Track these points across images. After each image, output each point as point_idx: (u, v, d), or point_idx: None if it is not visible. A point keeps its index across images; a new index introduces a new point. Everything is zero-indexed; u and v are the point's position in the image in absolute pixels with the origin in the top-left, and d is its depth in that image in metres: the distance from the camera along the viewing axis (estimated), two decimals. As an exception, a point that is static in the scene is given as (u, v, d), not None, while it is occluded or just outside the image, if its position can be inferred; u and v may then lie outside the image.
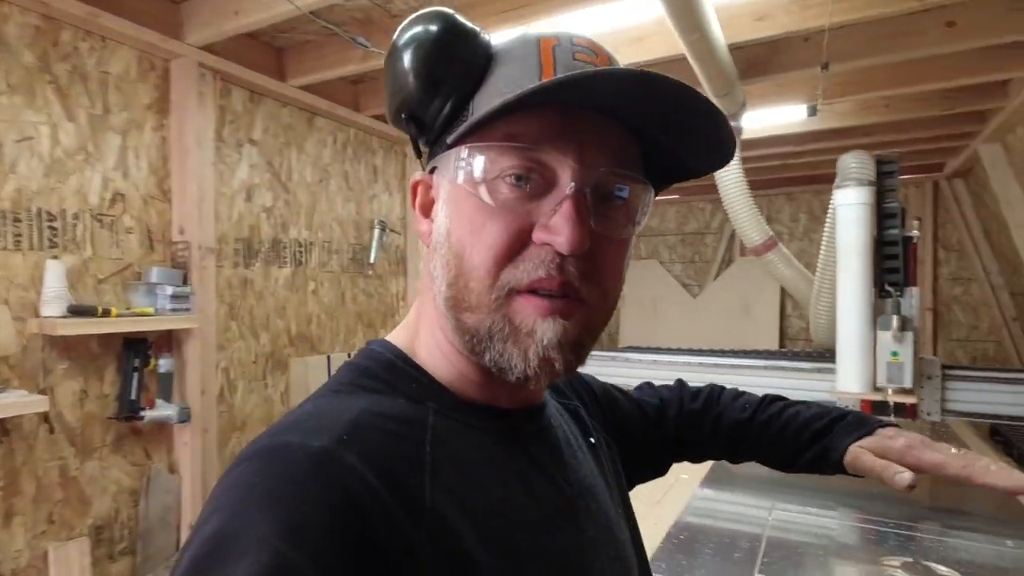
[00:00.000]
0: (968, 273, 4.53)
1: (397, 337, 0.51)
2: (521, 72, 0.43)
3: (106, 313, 1.93)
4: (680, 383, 0.79)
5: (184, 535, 2.28)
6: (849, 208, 2.07)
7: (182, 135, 2.30)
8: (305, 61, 2.66)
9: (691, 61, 1.95)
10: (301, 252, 2.93)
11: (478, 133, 0.43)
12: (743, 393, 0.76)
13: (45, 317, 1.84)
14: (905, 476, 0.55)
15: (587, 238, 0.41)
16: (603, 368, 2.89)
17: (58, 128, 1.95)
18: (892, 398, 2.01)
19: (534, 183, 0.42)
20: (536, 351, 0.42)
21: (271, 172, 2.76)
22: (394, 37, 0.47)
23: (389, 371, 0.47)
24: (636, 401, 0.75)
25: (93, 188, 2.06)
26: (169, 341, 2.27)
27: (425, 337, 0.49)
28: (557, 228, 0.41)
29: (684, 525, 1.65)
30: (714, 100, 2.39)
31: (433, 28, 0.45)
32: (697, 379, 2.61)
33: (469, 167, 0.43)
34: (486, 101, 0.43)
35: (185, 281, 2.25)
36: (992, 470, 0.55)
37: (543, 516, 0.47)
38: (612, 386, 0.74)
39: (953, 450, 0.58)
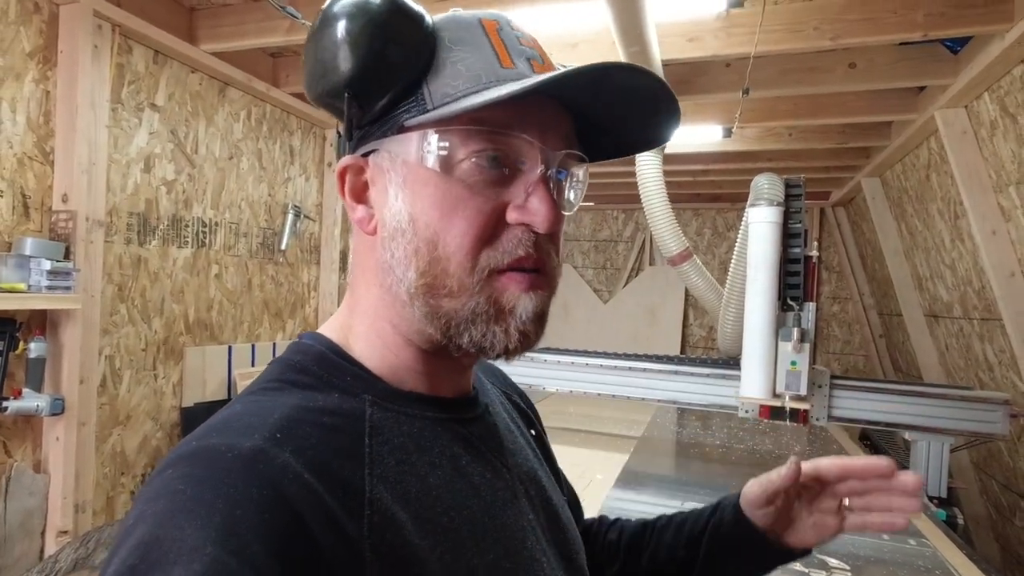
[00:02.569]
0: (845, 293, 5.03)
1: (329, 329, 0.50)
2: (479, 57, 0.44)
3: (-35, 287, 1.67)
4: None
5: (50, 542, 2.01)
6: (760, 226, 2.21)
7: (71, 91, 2.03)
8: (221, 25, 2.46)
9: (628, 72, 2.00)
10: (205, 232, 2.70)
11: (441, 117, 0.43)
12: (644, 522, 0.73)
13: None
14: (792, 459, 0.59)
15: (559, 216, 0.45)
16: (514, 368, 2.89)
17: (-87, 66, 1.66)
18: (789, 404, 2.17)
19: (504, 166, 0.44)
20: (516, 326, 0.44)
21: (175, 143, 2.52)
22: (330, 7, 0.44)
23: (321, 365, 0.46)
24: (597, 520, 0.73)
25: (-45, 141, 1.77)
26: (43, 322, 2.00)
27: (362, 330, 0.48)
28: (534, 209, 0.43)
29: (602, 525, 1.69)
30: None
31: (382, 3, 0.43)
32: (605, 381, 2.64)
33: (439, 150, 0.43)
34: (448, 84, 0.43)
35: (67, 256, 1.99)
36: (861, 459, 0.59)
37: (483, 501, 0.47)
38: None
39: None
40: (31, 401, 1.88)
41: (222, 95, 2.75)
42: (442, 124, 0.43)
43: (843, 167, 3.95)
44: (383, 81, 0.43)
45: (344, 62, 0.43)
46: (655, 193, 2.73)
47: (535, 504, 0.53)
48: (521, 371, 2.76)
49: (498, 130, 0.43)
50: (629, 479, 2.16)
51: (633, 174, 2.82)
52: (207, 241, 2.71)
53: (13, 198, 1.92)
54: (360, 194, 0.47)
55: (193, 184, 2.62)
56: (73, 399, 2.01)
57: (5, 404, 1.81)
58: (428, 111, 0.43)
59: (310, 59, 0.45)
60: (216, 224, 2.76)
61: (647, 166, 2.74)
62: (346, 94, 0.43)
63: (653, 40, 1.84)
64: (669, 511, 1.80)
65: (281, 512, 0.35)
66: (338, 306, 0.53)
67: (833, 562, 1.48)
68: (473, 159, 0.43)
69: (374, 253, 0.46)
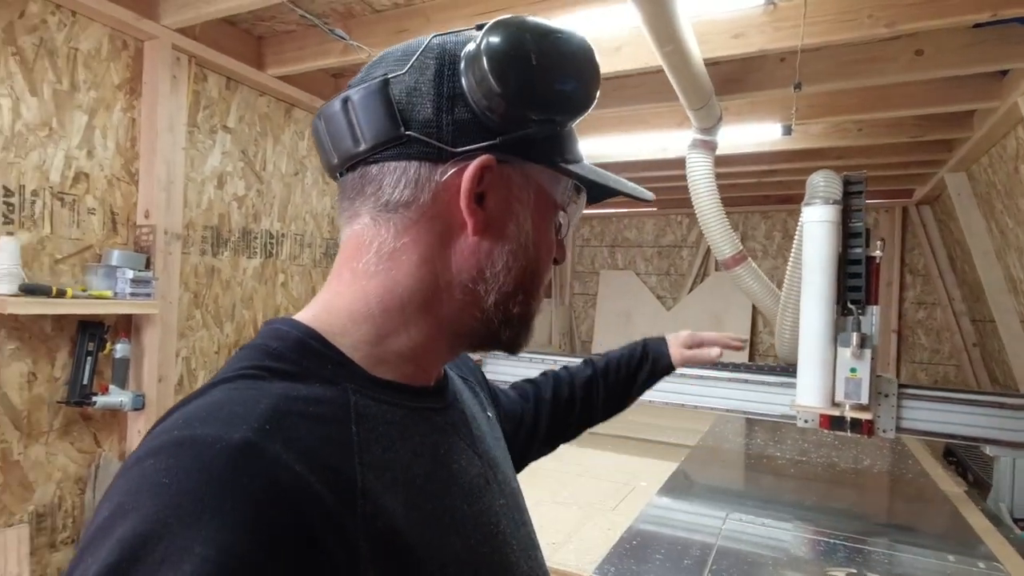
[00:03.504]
0: (932, 298, 4.65)
1: (308, 315, 0.49)
2: (574, 136, 0.54)
3: (61, 294, 1.88)
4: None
5: (132, 526, 2.21)
6: (815, 225, 2.11)
7: (153, 117, 2.25)
8: (284, 51, 2.64)
9: (667, 73, 1.98)
10: (272, 243, 2.89)
11: (560, 170, 0.51)
12: (567, 366, 0.99)
13: (-5, 295, 1.78)
14: (715, 351, 1.01)
15: None
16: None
17: (20, 102, 1.90)
18: (849, 413, 2.04)
19: None
20: (532, 331, 0.54)
21: (244, 161, 2.73)
22: (553, 34, 0.47)
23: (300, 352, 0.45)
24: (514, 388, 0.92)
25: (55, 165, 2.00)
26: (128, 326, 2.22)
27: (364, 315, 0.47)
28: (566, 250, 0.57)
29: (637, 531, 1.66)
30: (689, 113, 2.42)
31: (596, 57, 0.50)
32: (666, 389, 2.60)
33: (574, 201, 0.54)
34: (574, 142, 0.52)
35: (148, 266, 2.20)
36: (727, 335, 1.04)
37: (461, 488, 0.48)
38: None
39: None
40: (116, 397, 2.08)
41: (288, 115, 2.95)
42: (576, 177, 0.52)
43: (924, 162, 3.67)
44: (562, 116, 0.49)
45: (549, 86, 0.47)
46: (706, 194, 2.66)
47: (503, 488, 0.55)
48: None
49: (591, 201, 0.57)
50: (676, 486, 2.11)
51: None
52: (274, 252, 2.90)
53: (103, 215, 2.15)
54: (476, 196, 0.47)
55: (261, 199, 2.82)
56: (153, 396, 2.21)
57: (94, 399, 2.02)
58: (568, 158, 0.51)
59: (512, 68, 0.46)
60: (283, 236, 2.95)
61: (697, 165, 2.67)
62: (525, 112, 0.47)
63: (690, 38, 1.81)
64: (713, 521, 1.80)
65: (274, 507, 0.34)
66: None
67: (885, 582, 1.39)
68: (573, 216, 0.55)
69: (455, 251, 0.48)
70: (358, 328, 0.47)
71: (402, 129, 0.46)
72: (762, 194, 4.90)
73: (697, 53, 1.94)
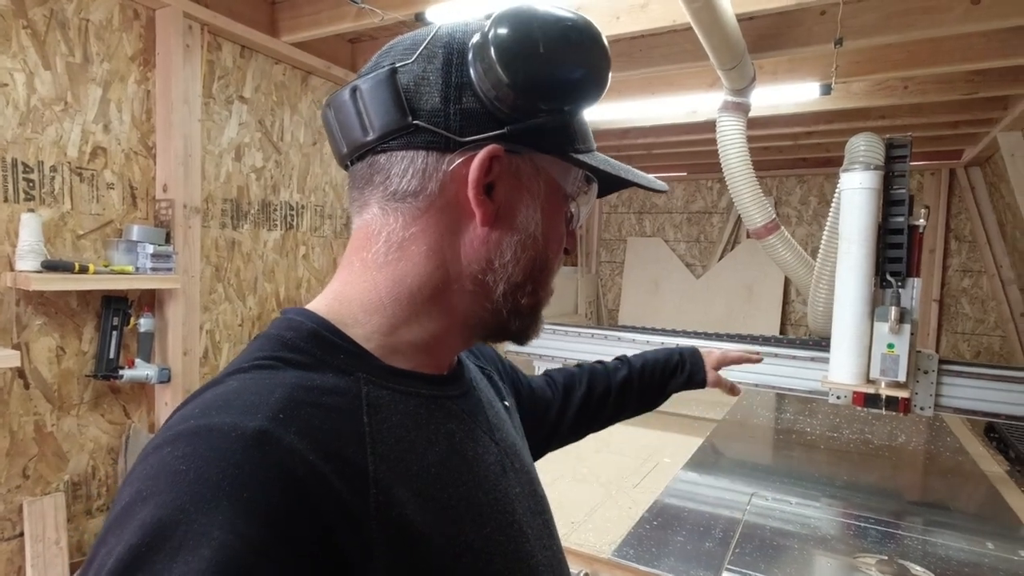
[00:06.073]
0: (979, 265, 4.42)
1: (320, 305, 0.50)
2: (585, 125, 0.53)
3: (83, 270, 1.89)
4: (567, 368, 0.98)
5: (163, 494, 2.28)
6: (854, 192, 1.99)
7: (167, 89, 2.22)
8: (299, 16, 2.56)
9: (696, 31, 1.85)
10: (292, 215, 2.88)
11: (590, 163, 0.51)
12: (603, 361, 1.00)
13: (19, 271, 1.80)
14: (738, 387, 1.05)
15: None
16: (601, 347, 2.83)
17: (34, 76, 1.88)
18: (884, 391, 1.95)
19: None
20: (542, 322, 0.55)
21: (262, 132, 2.69)
22: (562, 22, 0.46)
23: (313, 342, 0.46)
24: (546, 375, 0.91)
25: (72, 140, 2.00)
26: (151, 301, 2.24)
27: (375, 305, 0.48)
28: (576, 238, 0.57)
29: (660, 509, 1.62)
30: (720, 73, 2.28)
31: (606, 45, 0.48)
32: None
33: (584, 191, 0.53)
34: (584, 130, 0.51)
35: (168, 240, 2.20)
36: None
37: (477, 476, 0.48)
38: (513, 365, 0.85)
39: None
40: (142, 371, 2.12)
41: (304, 84, 2.89)
42: (586, 168, 0.51)
43: (976, 121, 3.44)
44: (571, 105, 0.48)
45: (557, 73, 0.46)
46: (737, 159, 2.53)
47: (519, 476, 0.55)
48: (607, 350, 2.69)
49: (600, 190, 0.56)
50: (702, 461, 2.07)
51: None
52: (294, 223, 2.89)
53: (122, 189, 2.15)
54: (485, 186, 0.47)
55: (280, 170, 2.79)
56: (178, 369, 2.24)
57: (121, 372, 2.06)
58: (578, 148, 0.50)
59: (521, 56, 0.45)
60: (302, 207, 2.93)
61: (728, 129, 2.54)
62: (537, 101, 0.46)
63: (721, -8, 1.69)
64: (739, 497, 1.75)
65: (289, 495, 0.35)
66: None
67: (917, 569, 1.33)
68: (583, 208, 0.54)
69: (464, 241, 0.48)
70: (370, 318, 0.48)
71: (410, 118, 0.46)
72: (799, 157, 4.69)
73: (728, 9, 1.81)
